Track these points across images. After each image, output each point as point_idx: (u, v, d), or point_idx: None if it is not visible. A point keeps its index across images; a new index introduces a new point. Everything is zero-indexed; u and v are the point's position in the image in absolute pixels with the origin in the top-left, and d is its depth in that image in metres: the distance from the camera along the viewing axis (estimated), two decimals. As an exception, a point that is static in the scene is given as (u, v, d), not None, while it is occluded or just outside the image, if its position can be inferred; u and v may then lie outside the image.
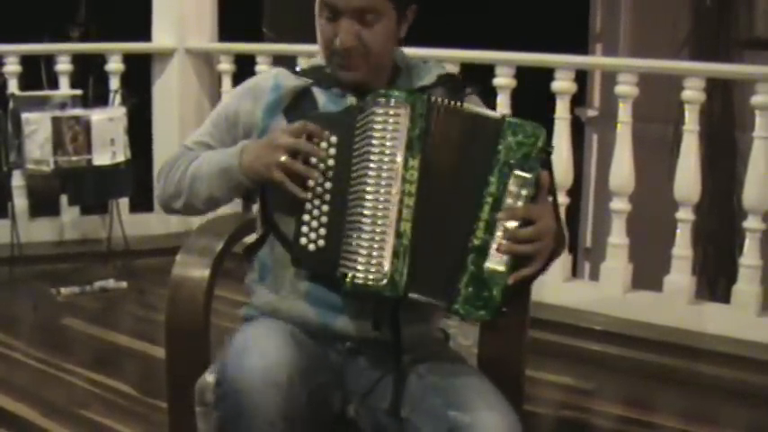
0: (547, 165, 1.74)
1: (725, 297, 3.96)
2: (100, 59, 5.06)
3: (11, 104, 4.46)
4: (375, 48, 1.82)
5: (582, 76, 4.47)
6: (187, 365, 1.93)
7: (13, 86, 4.70)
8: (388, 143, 1.70)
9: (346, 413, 1.84)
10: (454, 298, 1.70)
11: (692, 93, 3.73)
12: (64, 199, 4.81)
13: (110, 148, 4.49)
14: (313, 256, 1.76)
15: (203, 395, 1.83)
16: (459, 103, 1.75)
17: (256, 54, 4.87)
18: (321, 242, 1.75)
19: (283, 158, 1.74)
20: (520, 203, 1.70)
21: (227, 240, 2.04)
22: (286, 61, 4.54)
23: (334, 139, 1.76)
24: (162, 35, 5.18)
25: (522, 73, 4.10)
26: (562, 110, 3.99)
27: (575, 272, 4.69)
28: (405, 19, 1.87)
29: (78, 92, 4.72)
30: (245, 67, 4.79)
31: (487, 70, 4.11)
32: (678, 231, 3.79)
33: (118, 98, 4.84)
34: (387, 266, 1.67)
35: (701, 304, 3.82)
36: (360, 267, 1.68)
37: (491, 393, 1.73)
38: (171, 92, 5.18)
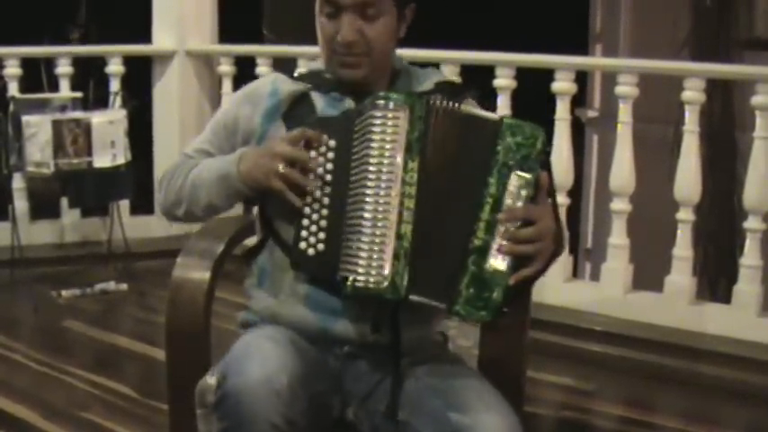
0: (546, 165, 1.74)
1: (725, 297, 3.96)
2: (100, 62, 5.06)
3: (11, 107, 4.46)
4: (376, 43, 1.82)
5: (582, 77, 4.47)
6: (188, 367, 1.93)
7: (13, 89, 4.70)
8: (387, 146, 1.70)
9: (345, 417, 1.84)
10: (455, 299, 1.70)
11: (693, 93, 3.73)
12: (64, 201, 4.82)
13: (110, 151, 4.50)
14: (312, 261, 1.76)
15: (204, 397, 1.83)
16: (457, 105, 1.75)
17: (256, 56, 4.87)
18: (321, 246, 1.75)
19: (282, 168, 1.74)
20: (519, 204, 1.70)
21: (228, 243, 2.04)
22: (286, 63, 4.55)
23: (332, 143, 1.76)
24: (162, 37, 5.18)
25: (522, 74, 4.10)
26: (562, 111, 3.99)
27: (575, 272, 4.69)
28: (404, 18, 1.88)
29: (79, 94, 4.73)
30: (245, 69, 4.79)
31: (487, 71, 4.11)
32: (678, 232, 3.78)
33: (118, 100, 4.84)
34: (387, 269, 1.67)
35: (701, 305, 3.82)
36: (360, 270, 1.68)
37: (491, 395, 1.73)
38: (171, 94, 5.19)
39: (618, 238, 3.93)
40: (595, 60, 6.25)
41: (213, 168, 1.85)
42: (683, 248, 3.79)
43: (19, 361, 3.60)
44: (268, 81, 1.94)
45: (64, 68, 4.89)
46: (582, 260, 6.54)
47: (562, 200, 3.80)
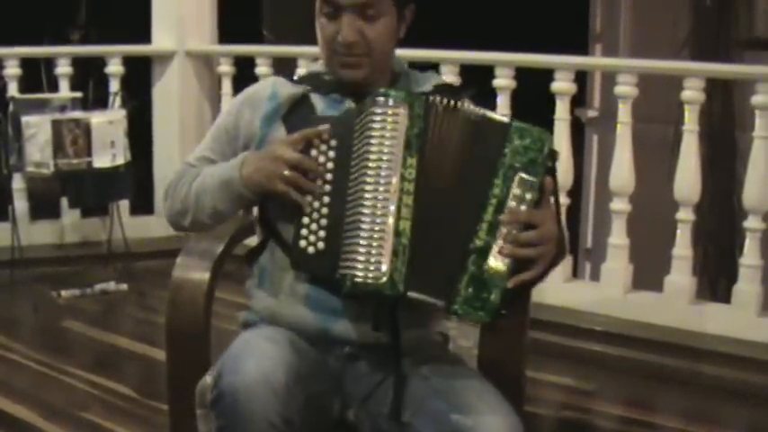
0: (551, 170, 1.74)
1: (725, 297, 3.96)
2: (100, 62, 5.06)
3: (11, 107, 4.47)
4: (377, 44, 1.82)
5: (582, 77, 4.47)
6: (188, 368, 1.93)
7: (13, 89, 4.70)
8: (386, 142, 1.70)
9: (346, 418, 1.84)
10: (453, 298, 1.70)
11: (692, 93, 3.73)
12: (64, 202, 4.82)
13: (110, 151, 4.50)
14: (312, 259, 1.76)
15: (204, 397, 1.83)
16: (459, 104, 1.75)
17: (256, 56, 4.87)
18: (321, 245, 1.75)
19: (285, 172, 1.75)
20: (523, 207, 1.70)
21: (228, 243, 2.04)
22: (286, 63, 4.55)
23: (333, 141, 1.76)
24: (162, 37, 5.18)
25: (521, 74, 4.10)
26: (562, 110, 3.99)
27: (575, 272, 4.69)
28: (404, 19, 1.88)
29: (78, 94, 4.73)
30: (245, 70, 4.79)
31: (487, 71, 4.11)
32: (678, 232, 3.78)
33: (118, 101, 4.84)
34: (386, 265, 1.67)
35: (701, 304, 3.82)
36: (359, 267, 1.68)
37: (492, 395, 1.73)
38: (171, 94, 5.19)
39: (618, 238, 3.93)
40: (595, 60, 6.25)
41: (216, 175, 1.85)
42: (682, 248, 3.79)
43: (19, 361, 3.60)
44: (267, 84, 1.94)
45: (63, 69, 4.89)
46: (582, 260, 6.54)
47: (562, 200, 3.80)
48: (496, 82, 4.10)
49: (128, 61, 5.03)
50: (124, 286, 4.48)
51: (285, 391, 1.61)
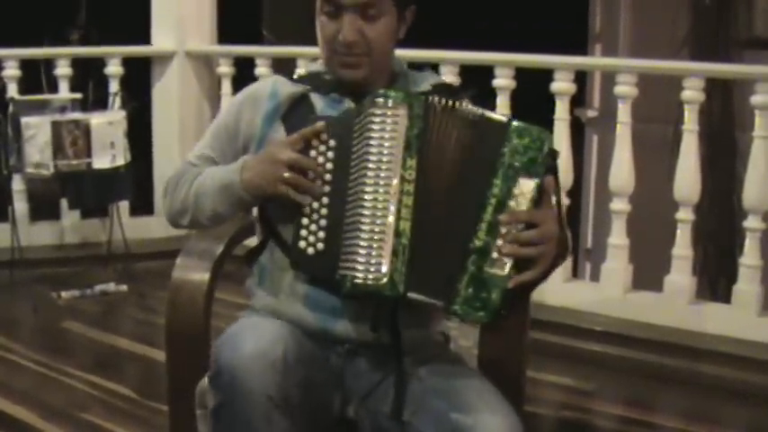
0: (552, 170, 1.74)
1: (725, 297, 3.96)
2: (99, 63, 5.07)
3: (10, 108, 4.47)
4: (377, 44, 1.82)
5: (581, 77, 4.47)
6: (187, 368, 1.93)
7: (12, 90, 4.71)
8: (386, 143, 1.70)
9: (346, 415, 1.84)
10: (453, 298, 1.70)
11: (692, 93, 3.73)
12: (64, 202, 4.82)
13: (110, 152, 4.50)
14: (312, 260, 1.76)
15: (204, 398, 1.83)
16: (459, 103, 1.75)
17: (256, 57, 4.87)
18: (320, 245, 1.75)
19: (286, 174, 1.75)
20: (523, 207, 1.70)
21: (227, 243, 2.04)
22: (286, 63, 4.55)
23: (332, 142, 1.76)
24: (161, 38, 5.19)
25: (521, 74, 4.10)
26: (562, 111, 3.99)
27: (575, 272, 4.69)
28: (404, 19, 1.88)
29: (78, 95, 4.73)
30: (244, 70, 4.79)
31: (487, 71, 4.11)
32: (678, 231, 3.78)
33: (117, 101, 4.84)
34: (386, 266, 1.67)
35: (701, 304, 3.82)
36: (359, 267, 1.68)
37: (492, 395, 1.73)
38: (171, 95, 5.19)
39: (617, 238, 3.93)
40: (595, 60, 6.24)
41: (216, 178, 1.85)
42: (682, 248, 3.79)
43: (18, 362, 3.60)
44: (268, 83, 1.94)
45: (63, 70, 4.89)
46: (582, 260, 6.54)
47: (562, 199, 3.80)
48: (496, 82, 4.10)
49: (127, 62, 5.03)
50: (124, 287, 4.48)
51: (283, 366, 1.62)
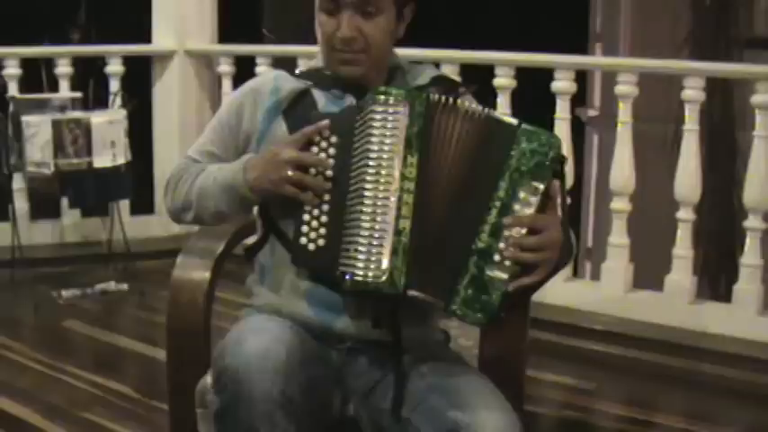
0: (559, 175, 1.73)
1: (726, 296, 3.96)
2: (100, 62, 5.06)
3: (11, 107, 4.46)
4: (375, 41, 1.83)
5: (582, 76, 4.47)
6: (188, 367, 1.93)
7: (13, 89, 4.70)
8: (387, 141, 1.70)
9: (346, 412, 1.84)
10: (453, 298, 1.70)
11: (692, 92, 3.73)
12: (64, 201, 4.81)
13: (110, 151, 4.49)
14: (313, 256, 1.76)
15: (204, 397, 1.83)
16: (460, 101, 1.75)
17: (256, 56, 4.87)
18: (321, 242, 1.75)
19: (291, 173, 1.75)
20: (528, 211, 1.70)
21: (228, 242, 2.04)
22: (286, 62, 4.54)
23: (334, 139, 1.76)
24: (162, 37, 5.18)
25: (521, 73, 4.10)
26: (562, 110, 3.99)
27: (576, 272, 4.70)
28: (403, 17, 1.88)
29: (78, 94, 4.72)
30: (245, 69, 4.79)
31: (487, 71, 4.11)
32: (679, 231, 3.79)
33: (118, 100, 4.83)
34: (386, 263, 1.67)
35: (702, 304, 3.82)
36: (359, 265, 1.68)
37: (492, 393, 1.73)
38: (171, 94, 5.18)
39: (618, 237, 3.93)
40: (595, 59, 6.25)
41: (219, 178, 1.85)
42: (683, 247, 3.79)
43: (19, 361, 3.59)
44: (270, 78, 1.94)
45: (64, 68, 4.89)
46: (582, 260, 6.55)
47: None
48: (497, 81, 4.10)
49: (128, 60, 5.03)
50: (124, 286, 4.48)
51: (286, 368, 1.61)
